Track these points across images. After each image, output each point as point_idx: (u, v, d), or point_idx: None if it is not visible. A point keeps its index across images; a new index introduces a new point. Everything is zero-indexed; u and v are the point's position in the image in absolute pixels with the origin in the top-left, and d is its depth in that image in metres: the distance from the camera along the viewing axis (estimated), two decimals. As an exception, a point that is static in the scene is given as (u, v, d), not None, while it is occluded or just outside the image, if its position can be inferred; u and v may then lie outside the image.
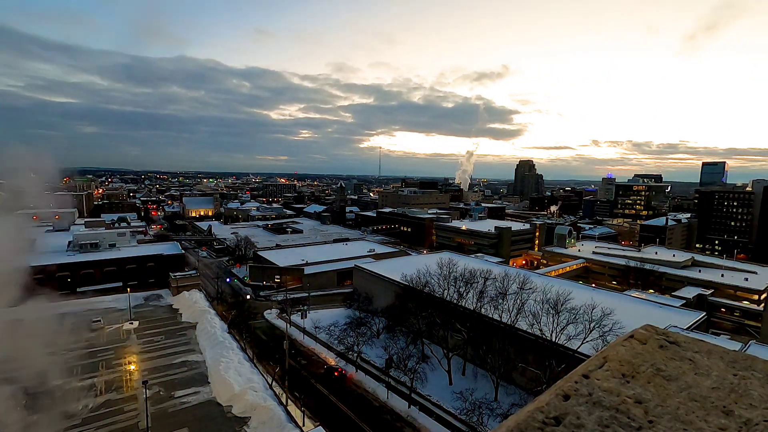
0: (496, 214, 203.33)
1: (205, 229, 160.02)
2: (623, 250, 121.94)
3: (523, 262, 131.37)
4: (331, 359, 57.03)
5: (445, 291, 57.27)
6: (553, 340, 44.19)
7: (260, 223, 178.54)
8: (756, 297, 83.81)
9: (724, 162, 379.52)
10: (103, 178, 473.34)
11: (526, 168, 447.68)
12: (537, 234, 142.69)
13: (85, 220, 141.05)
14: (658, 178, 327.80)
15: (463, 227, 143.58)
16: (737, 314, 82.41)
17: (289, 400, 44.88)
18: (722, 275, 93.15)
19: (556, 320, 44.92)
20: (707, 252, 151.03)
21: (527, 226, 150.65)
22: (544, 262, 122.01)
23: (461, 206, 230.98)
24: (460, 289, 55.60)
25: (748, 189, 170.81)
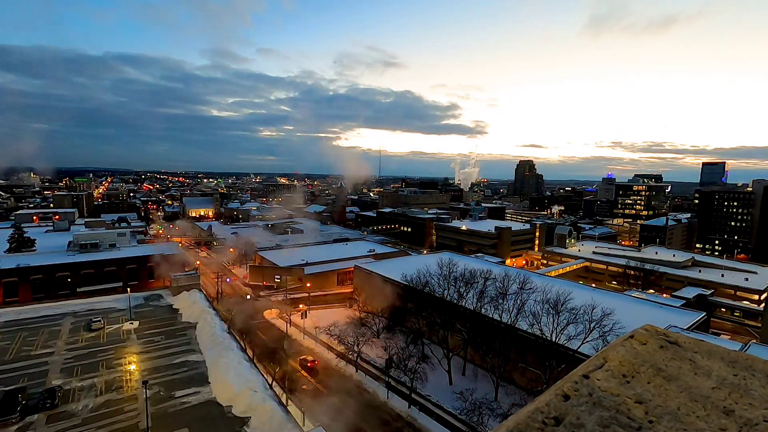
0: (496, 214, 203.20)
1: (206, 229, 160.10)
2: (623, 250, 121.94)
3: (524, 262, 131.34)
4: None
5: (445, 291, 57.32)
6: (553, 340, 44.22)
7: (260, 223, 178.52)
8: (756, 297, 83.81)
9: (724, 162, 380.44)
10: (103, 178, 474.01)
11: (526, 168, 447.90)
12: (537, 234, 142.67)
13: (85, 220, 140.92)
14: (658, 178, 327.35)
15: (463, 227, 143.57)
16: (737, 314, 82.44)
17: (289, 400, 44.87)
18: (722, 275, 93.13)
19: (556, 320, 44.95)
20: (707, 252, 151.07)
21: (527, 226, 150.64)
22: (545, 262, 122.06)
23: (461, 206, 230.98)
24: (460, 289, 55.65)
25: (748, 189, 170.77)
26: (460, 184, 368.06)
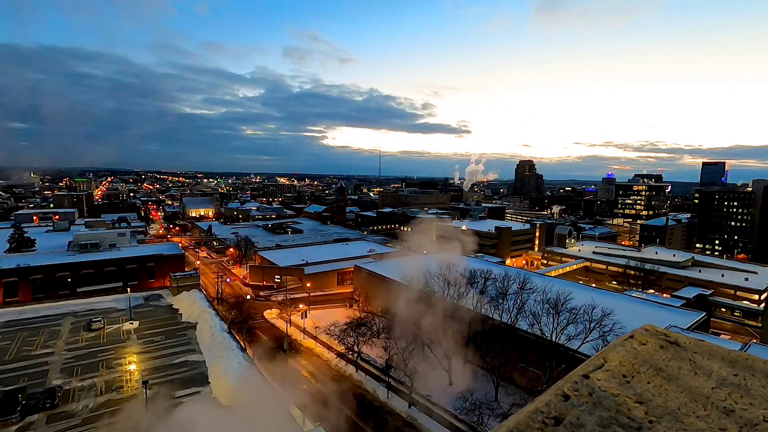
0: (496, 214, 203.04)
1: (206, 229, 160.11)
2: (623, 250, 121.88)
3: (524, 262, 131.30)
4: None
5: (445, 291, 57.26)
6: (553, 340, 44.18)
7: (260, 223, 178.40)
8: (756, 297, 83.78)
9: (724, 162, 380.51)
10: (103, 178, 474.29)
11: (526, 168, 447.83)
12: (537, 234, 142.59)
13: (86, 220, 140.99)
14: (658, 178, 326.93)
15: (463, 227, 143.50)
16: (737, 314, 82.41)
17: (289, 401, 44.84)
18: (722, 275, 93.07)
19: (556, 320, 44.92)
20: (707, 252, 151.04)
21: (527, 226, 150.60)
22: (545, 262, 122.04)
23: (461, 206, 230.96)
24: (460, 289, 55.60)
25: (748, 189, 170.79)
26: (461, 183, 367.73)
